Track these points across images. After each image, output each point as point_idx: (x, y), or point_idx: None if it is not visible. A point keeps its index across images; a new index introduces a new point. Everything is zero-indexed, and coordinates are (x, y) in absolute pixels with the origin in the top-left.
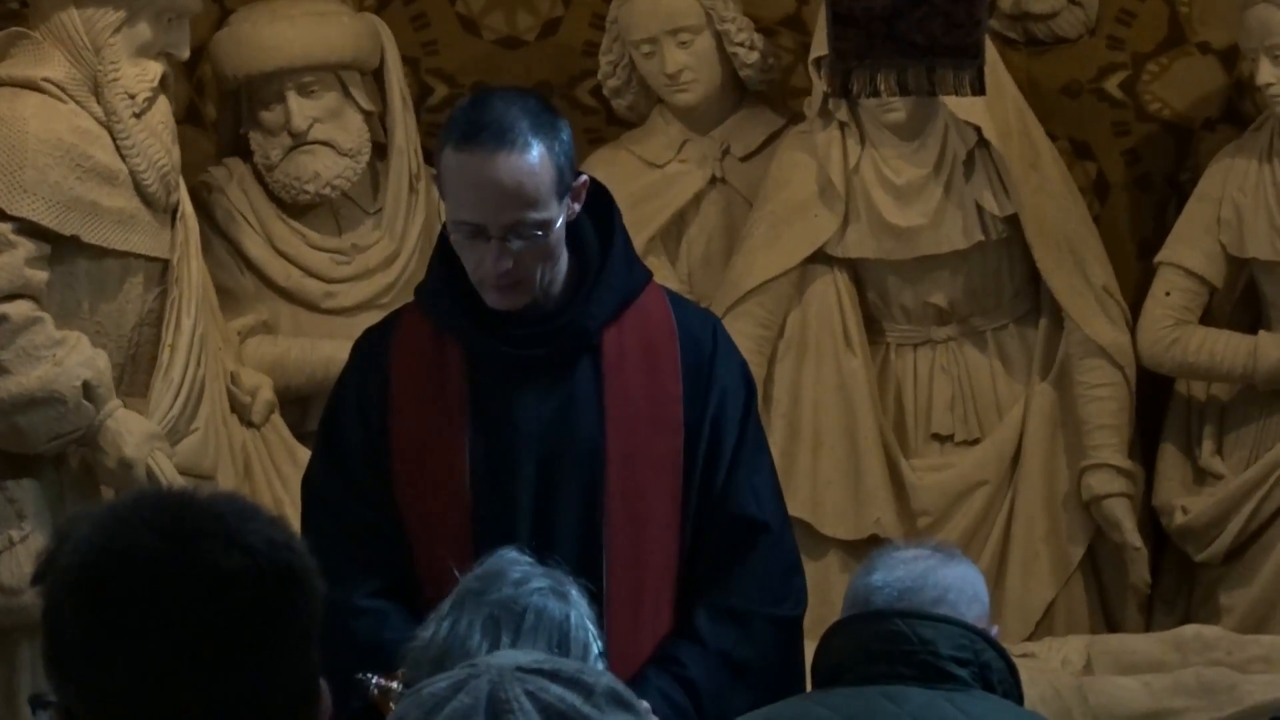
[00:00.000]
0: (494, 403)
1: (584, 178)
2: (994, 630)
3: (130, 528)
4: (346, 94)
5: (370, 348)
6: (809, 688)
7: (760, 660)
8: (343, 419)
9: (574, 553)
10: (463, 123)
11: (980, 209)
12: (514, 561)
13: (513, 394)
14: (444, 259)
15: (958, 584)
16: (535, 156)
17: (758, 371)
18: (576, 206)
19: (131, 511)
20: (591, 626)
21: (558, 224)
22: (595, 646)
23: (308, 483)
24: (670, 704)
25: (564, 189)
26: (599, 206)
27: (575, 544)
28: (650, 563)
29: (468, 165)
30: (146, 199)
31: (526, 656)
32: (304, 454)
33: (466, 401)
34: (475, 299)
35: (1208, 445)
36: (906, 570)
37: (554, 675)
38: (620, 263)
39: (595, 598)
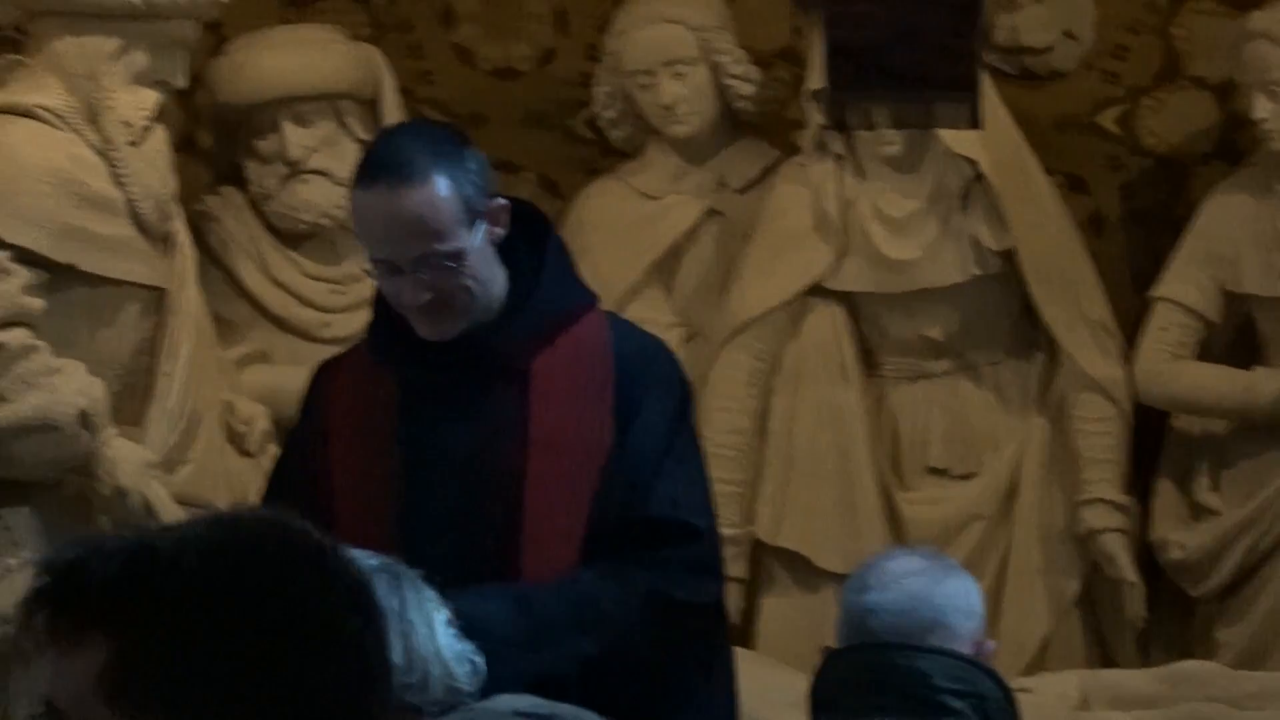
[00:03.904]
0: (422, 429)
1: (501, 201)
2: (990, 645)
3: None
4: (342, 123)
5: (317, 378)
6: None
7: (627, 623)
8: (290, 448)
9: (493, 579)
10: (367, 161)
11: (976, 242)
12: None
13: (439, 420)
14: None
15: (952, 603)
16: (436, 188)
17: (753, 404)
18: (499, 230)
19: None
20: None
21: (471, 252)
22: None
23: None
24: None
25: (473, 216)
26: (535, 230)
27: (495, 570)
28: None
29: (371, 203)
30: (143, 227)
31: (523, 701)
32: None
33: (395, 429)
34: (411, 328)
35: (1204, 480)
36: (901, 590)
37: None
38: (552, 288)
39: None
